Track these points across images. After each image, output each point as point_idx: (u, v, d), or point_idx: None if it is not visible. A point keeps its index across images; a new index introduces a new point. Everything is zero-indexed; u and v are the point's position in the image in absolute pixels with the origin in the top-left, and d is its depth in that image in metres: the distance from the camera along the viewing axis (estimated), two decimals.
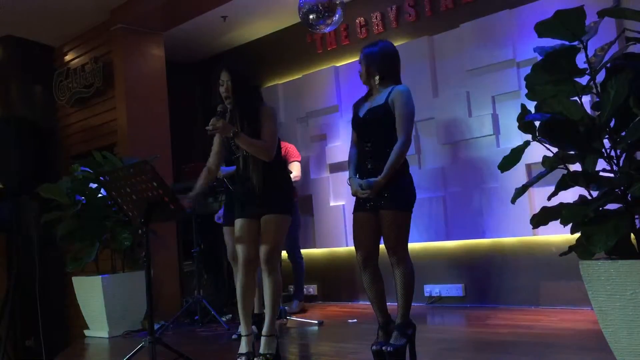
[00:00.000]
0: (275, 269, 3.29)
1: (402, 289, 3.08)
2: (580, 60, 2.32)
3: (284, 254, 5.33)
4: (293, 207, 3.50)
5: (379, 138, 3.17)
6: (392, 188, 3.09)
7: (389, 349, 3.02)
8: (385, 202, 3.09)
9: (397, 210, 3.09)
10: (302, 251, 5.45)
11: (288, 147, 5.39)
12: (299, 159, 5.42)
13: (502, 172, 2.56)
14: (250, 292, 3.32)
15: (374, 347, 3.08)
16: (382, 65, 3.27)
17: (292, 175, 5.12)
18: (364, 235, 3.16)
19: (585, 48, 2.32)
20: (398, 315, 3.11)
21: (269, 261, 3.26)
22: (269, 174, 3.30)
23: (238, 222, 3.35)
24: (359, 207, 3.20)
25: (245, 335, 3.29)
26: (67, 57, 6.87)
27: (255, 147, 3.24)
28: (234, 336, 4.22)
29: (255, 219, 3.31)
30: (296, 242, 5.33)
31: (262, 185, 3.27)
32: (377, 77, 3.26)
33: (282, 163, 3.51)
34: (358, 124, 3.27)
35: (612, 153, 2.31)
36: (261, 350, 3.22)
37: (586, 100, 2.56)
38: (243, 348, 3.28)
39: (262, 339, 3.25)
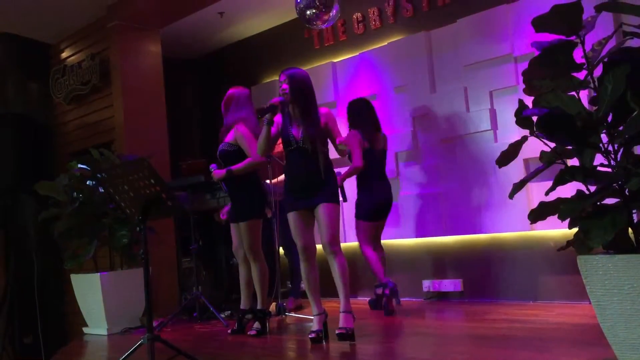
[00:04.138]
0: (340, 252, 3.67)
1: None
2: (578, 55, 2.32)
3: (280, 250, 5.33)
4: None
5: None
6: None
7: None
8: None
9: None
10: None
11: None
12: None
13: (500, 167, 2.57)
14: (312, 276, 3.74)
15: None
16: None
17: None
18: None
19: (583, 43, 2.32)
20: None
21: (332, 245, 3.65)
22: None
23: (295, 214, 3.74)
24: None
25: (316, 315, 3.71)
26: (64, 54, 6.86)
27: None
28: (229, 331, 4.31)
29: (311, 210, 3.71)
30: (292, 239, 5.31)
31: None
32: None
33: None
34: None
35: (610, 148, 2.31)
36: (340, 324, 3.59)
37: (584, 94, 2.56)
38: (315, 326, 3.70)
39: (340, 315, 3.63)
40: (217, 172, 4.25)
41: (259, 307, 4.27)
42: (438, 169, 5.13)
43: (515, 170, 4.29)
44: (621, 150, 2.32)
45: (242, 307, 4.40)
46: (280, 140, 3.90)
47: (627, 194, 2.26)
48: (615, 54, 2.30)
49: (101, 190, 4.72)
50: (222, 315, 4.83)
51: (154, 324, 3.54)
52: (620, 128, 2.28)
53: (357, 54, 5.77)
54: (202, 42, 7.05)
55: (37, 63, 6.94)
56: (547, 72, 2.35)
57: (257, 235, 4.26)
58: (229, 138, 4.29)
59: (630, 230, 2.29)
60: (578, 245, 2.32)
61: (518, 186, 2.47)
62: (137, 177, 3.21)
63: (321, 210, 3.63)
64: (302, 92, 3.72)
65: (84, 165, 5.11)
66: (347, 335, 3.53)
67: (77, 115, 6.72)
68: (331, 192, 3.68)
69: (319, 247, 3.71)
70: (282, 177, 5.13)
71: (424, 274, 5.21)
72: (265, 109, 3.71)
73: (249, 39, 6.95)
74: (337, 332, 3.56)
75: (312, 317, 3.78)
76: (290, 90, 3.71)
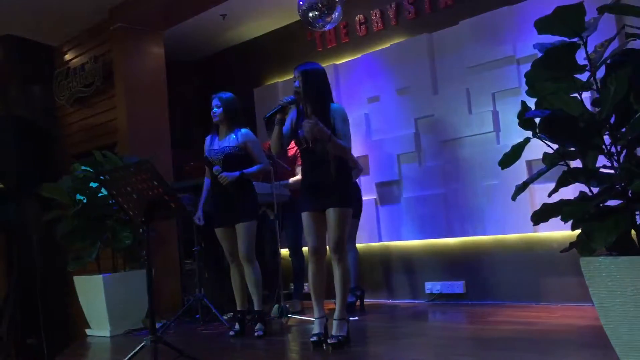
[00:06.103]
0: (344, 258, 3.57)
1: None
2: (580, 57, 2.32)
3: (285, 252, 5.33)
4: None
5: None
6: None
7: None
8: None
9: None
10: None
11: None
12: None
13: (502, 169, 2.56)
14: (319, 279, 3.62)
15: None
16: None
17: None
18: None
19: (585, 44, 2.32)
20: None
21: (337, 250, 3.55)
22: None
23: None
24: None
25: (317, 318, 3.60)
26: (67, 57, 6.87)
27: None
28: (230, 332, 4.29)
29: (322, 211, 3.60)
30: (299, 241, 5.31)
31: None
32: None
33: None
34: None
35: (613, 149, 2.31)
36: (333, 332, 3.49)
37: (586, 96, 2.56)
38: (315, 329, 3.59)
39: (334, 322, 3.52)
40: (229, 174, 4.16)
41: (256, 308, 4.26)
42: (440, 171, 5.13)
43: (517, 172, 4.28)
44: (624, 151, 2.32)
45: (240, 308, 4.38)
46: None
47: (630, 195, 2.25)
48: (617, 55, 2.30)
49: (104, 192, 4.73)
50: (225, 317, 4.83)
51: (157, 325, 3.54)
52: (623, 130, 2.28)
53: (360, 56, 5.77)
54: (205, 44, 7.06)
55: (40, 65, 6.95)
56: (550, 74, 2.35)
57: (254, 237, 4.23)
58: (233, 142, 4.27)
59: (633, 232, 2.28)
60: (581, 247, 2.32)
61: (521, 188, 2.46)
62: (140, 178, 3.22)
63: (329, 215, 3.54)
64: (315, 89, 3.60)
65: (87, 168, 5.12)
66: (341, 344, 3.46)
67: (80, 118, 6.73)
68: (342, 196, 3.56)
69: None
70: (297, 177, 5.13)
71: (426, 275, 5.20)
72: (273, 112, 3.66)
73: (251, 41, 6.96)
74: (329, 341, 3.47)
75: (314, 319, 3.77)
76: (302, 88, 3.60)
